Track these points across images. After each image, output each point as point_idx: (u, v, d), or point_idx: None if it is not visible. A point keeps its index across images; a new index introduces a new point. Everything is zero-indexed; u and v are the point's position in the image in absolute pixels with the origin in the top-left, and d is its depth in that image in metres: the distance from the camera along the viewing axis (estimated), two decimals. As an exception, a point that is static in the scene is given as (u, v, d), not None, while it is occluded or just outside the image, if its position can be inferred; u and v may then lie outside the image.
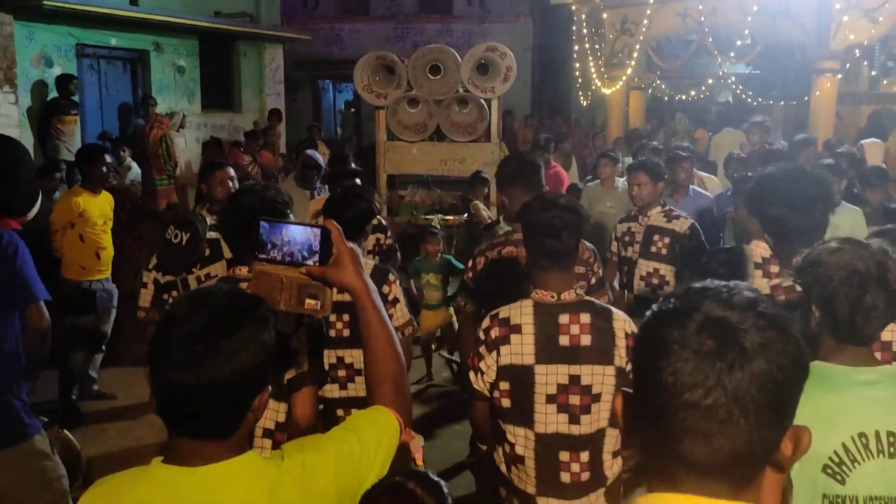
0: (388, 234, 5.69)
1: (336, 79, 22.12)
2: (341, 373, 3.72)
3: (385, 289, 3.66)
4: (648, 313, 1.20)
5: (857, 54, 9.20)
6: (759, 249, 3.73)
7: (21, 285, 3.19)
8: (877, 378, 2.02)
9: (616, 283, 5.51)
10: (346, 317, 3.67)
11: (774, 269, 3.69)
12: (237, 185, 5.55)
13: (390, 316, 3.63)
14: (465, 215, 8.71)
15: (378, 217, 5.64)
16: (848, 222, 5.37)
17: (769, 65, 12.04)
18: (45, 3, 9.98)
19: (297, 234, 1.71)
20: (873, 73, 10.42)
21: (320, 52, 20.27)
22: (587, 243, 3.90)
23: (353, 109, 20.19)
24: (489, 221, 7.50)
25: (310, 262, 1.71)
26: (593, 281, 3.84)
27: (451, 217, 9.08)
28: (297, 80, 20.03)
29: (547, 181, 8.86)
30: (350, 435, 1.68)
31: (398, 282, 3.76)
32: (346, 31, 21.19)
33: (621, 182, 7.52)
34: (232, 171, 5.50)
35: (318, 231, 1.71)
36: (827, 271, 2.07)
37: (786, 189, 2.84)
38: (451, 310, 6.21)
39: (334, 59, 20.59)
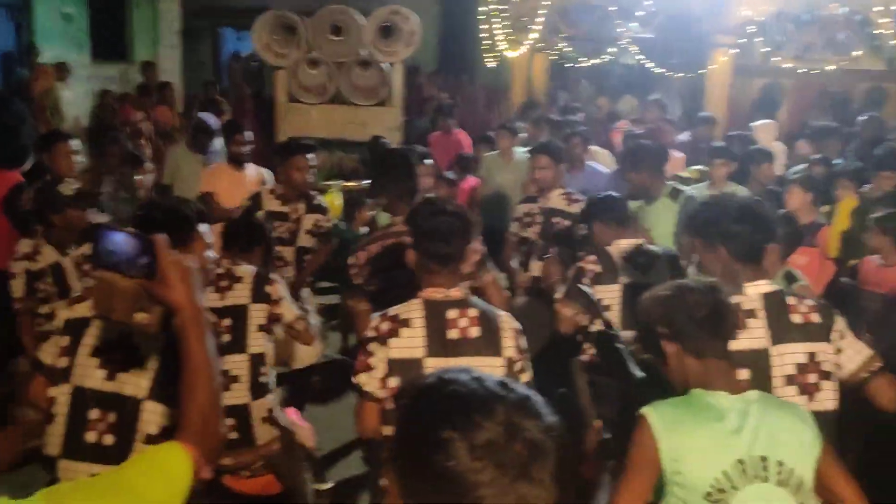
0: (328, 215, 5.50)
1: (237, 27, 21.36)
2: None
3: (268, 288, 3.58)
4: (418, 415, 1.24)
5: (753, 30, 9.44)
6: (623, 245, 3.93)
7: None
8: (748, 406, 2.16)
9: (514, 263, 5.57)
10: (226, 321, 3.56)
11: (642, 259, 3.89)
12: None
13: (276, 316, 3.58)
14: (366, 181, 8.63)
15: (319, 198, 5.51)
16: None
17: (669, 35, 12.25)
18: (-87, -58, 9.25)
19: (129, 245, 1.68)
20: (765, 49, 10.75)
21: (221, -1, 19.52)
22: None
23: (254, 63, 19.59)
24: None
25: (141, 272, 1.68)
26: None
27: (352, 183, 8.98)
28: (196, 29, 19.22)
29: (450, 147, 8.90)
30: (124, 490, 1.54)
31: (282, 283, 3.69)
32: (248, -23, 20.45)
33: (520, 152, 7.57)
34: (75, 145, 5.21)
35: (145, 242, 1.67)
36: (656, 307, 2.32)
37: (741, 203, 2.85)
38: None
39: (236, 8, 19.84)
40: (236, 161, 6.27)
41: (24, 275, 4.27)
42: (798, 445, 2.13)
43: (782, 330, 2.63)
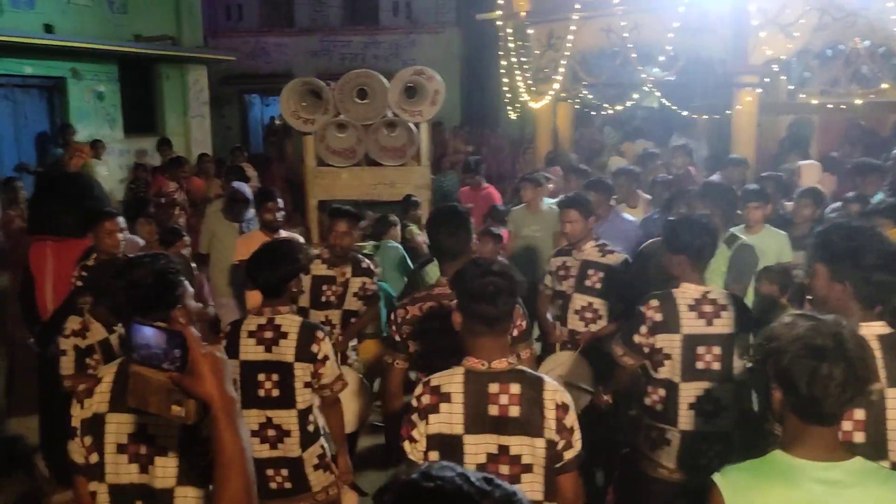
0: (374, 278, 5.57)
1: (263, 93, 21.84)
2: (270, 433, 3.67)
3: (314, 347, 3.63)
4: None
5: (776, 68, 9.42)
6: (690, 291, 3.78)
7: None
8: (840, 476, 1.97)
9: (550, 317, 5.52)
10: (274, 377, 3.63)
11: (707, 308, 3.74)
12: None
13: (319, 375, 3.62)
14: (400, 241, 8.65)
15: (367, 262, 5.57)
16: (774, 246, 5.50)
17: (691, 78, 12.27)
18: (-48, 33, 9.62)
19: (157, 339, 1.70)
20: (790, 87, 10.71)
21: (246, 66, 20.00)
22: None
23: (279, 122, 19.89)
24: (423, 251, 7.46)
25: (171, 367, 1.69)
26: (515, 333, 3.84)
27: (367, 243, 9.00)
28: (223, 96, 19.73)
29: (480, 202, 8.93)
30: None
31: (327, 338, 3.72)
32: (272, 44, 20.93)
33: (545, 204, 7.57)
34: (122, 223, 5.29)
35: (175, 336, 1.69)
36: (783, 345, 2.03)
37: (889, 248, 2.74)
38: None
39: (261, 74, 20.35)
40: (269, 227, 6.34)
41: (74, 351, 4.31)
42: None
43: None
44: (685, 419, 3.72)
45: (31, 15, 11.71)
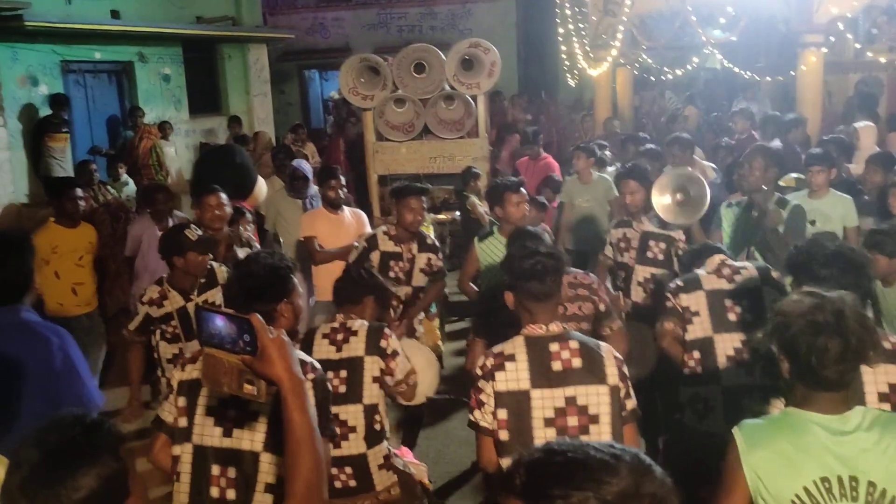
0: (440, 255, 5.61)
1: (322, 68, 22.00)
2: (337, 429, 3.69)
3: (382, 343, 3.71)
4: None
5: (841, 27, 9.17)
6: (714, 262, 3.97)
7: (75, 395, 3.00)
8: (844, 424, 2.14)
9: (609, 285, 5.57)
10: (343, 373, 3.72)
11: (726, 271, 3.95)
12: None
13: (390, 371, 3.69)
14: (458, 213, 8.76)
15: (431, 238, 5.69)
16: (839, 211, 5.42)
17: (754, 39, 11.99)
18: (27, 23, 9.95)
19: (227, 326, 1.79)
20: (857, 45, 10.41)
21: (305, 41, 20.17)
22: (592, 275, 4.04)
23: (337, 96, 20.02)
24: (485, 222, 7.53)
25: (243, 350, 1.78)
26: (602, 307, 3.93)
27: (444, 215, 9.12)
28: (283, 72, 19.97)
29: (538, 172, 8.96)
30: None
31: (394, 337, 3.80)
32: (329, 19, 21.04)
33: (596, 174, 7.58)
34: (225, 198, 5.53)
35: (244, 322, 1.77)
36: (788, 320, 2.19)
37: (832, 249, 2.96)
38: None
39: (319, 49, 20.51)
40: (332, 205, 6.47)
41: (144, 317, 4.59)
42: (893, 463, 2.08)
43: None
44: (725, 373, 3.78)
45: (99, 2, 12.04)
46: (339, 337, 3.78)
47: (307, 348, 3.81)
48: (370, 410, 3.71)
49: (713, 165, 7.47)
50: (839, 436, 2.11)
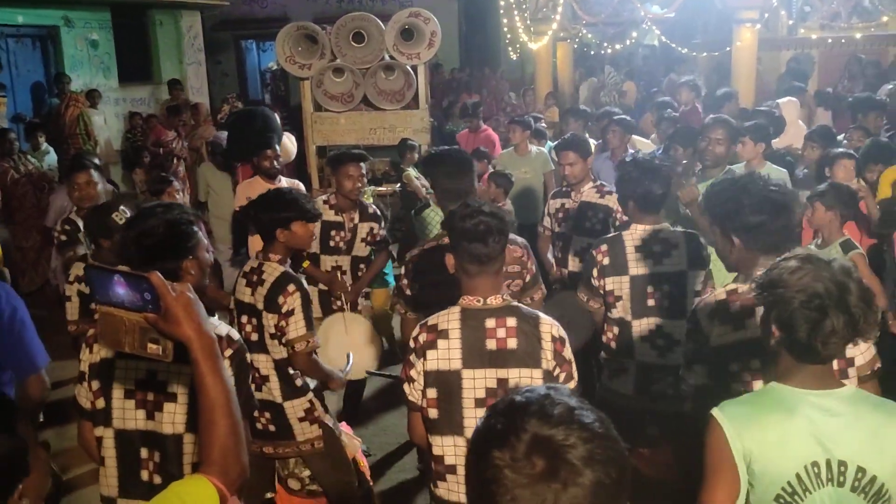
0: (383, 224, 5.48)
1: (260, 38, 21.52)
2: (255, 374, 3.62)
3: (280, 299, 3.56)
4: (473, 434, 1.26)
5: (775, 3, 9.29)
6: (639, 232, 3.89)
7: (21, 354, 2.95)
8: (833, 404, 2.02)
9: (550, 257, 5.56)
10: (253, 320, 3.64)
11: (657, 248, 3.84)
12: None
13: (282, 328, 3.56)
14: (398, 185, 8.66)
15: (374, 207, 5.54)
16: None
17: (691, 15, 12.10)
18: (-59, -17, 9.48)
19: (124, 283, 1.66)
20: (790, 22, 10.59)
21: (242, 11, 19.68)
22: (519, 239, 3.93)
23: (274, 67, 19.55)
24: (422, 195, 7.47)
25: (145, 307, 1.66)
26: (528, 278, 3.87)
27: (384, 187, 9.02)
28: (219, 42, 19.47)
29: (479, 144, 8.91)
30: None
31: (299, 293, 3.59)
32: (268, -12, 20.58)
33: (534, 148, 7.57)
34: (95, 175, 5.26)
35: (142, 280, 1.64)
36: (787, 293, 2.02)
37: (760, 194, 2.72)
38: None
39: (257, 18, 20.04)
40: (268, 174, 6.32)
41: (78, 297, 4.38)
42: (885, 451, 1.98)
43: None
44: (640, 351, 3.83)
45: (21, -38, 11.56)
46: (254, 279, 3.67)
47: (234, 285, 3.75)
48: (281, 364, 3.63)
49: (648, 141, 7.52)
50: (828, 415, 2.00)
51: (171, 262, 2.52)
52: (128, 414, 2.61)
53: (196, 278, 2.57)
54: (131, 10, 13.80)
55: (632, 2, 11.13)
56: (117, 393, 2.61)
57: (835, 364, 2.50)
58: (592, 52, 15.36)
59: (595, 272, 3.89)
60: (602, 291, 3.89)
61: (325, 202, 5.28)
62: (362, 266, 5.35)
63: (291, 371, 3.66)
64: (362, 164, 5.29)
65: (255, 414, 3.58)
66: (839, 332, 1.96)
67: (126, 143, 12.27)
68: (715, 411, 2.06)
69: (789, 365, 2.07)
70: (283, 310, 3.55)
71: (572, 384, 2.82)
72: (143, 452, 2.60)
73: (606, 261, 3.87)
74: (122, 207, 4.55)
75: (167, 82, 13.67)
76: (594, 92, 13.49)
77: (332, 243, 5.22)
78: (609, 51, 14.55)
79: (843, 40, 11.05)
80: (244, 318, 3.68)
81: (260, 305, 3.61)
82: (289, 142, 8.19)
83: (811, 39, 10.84)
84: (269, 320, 3.58)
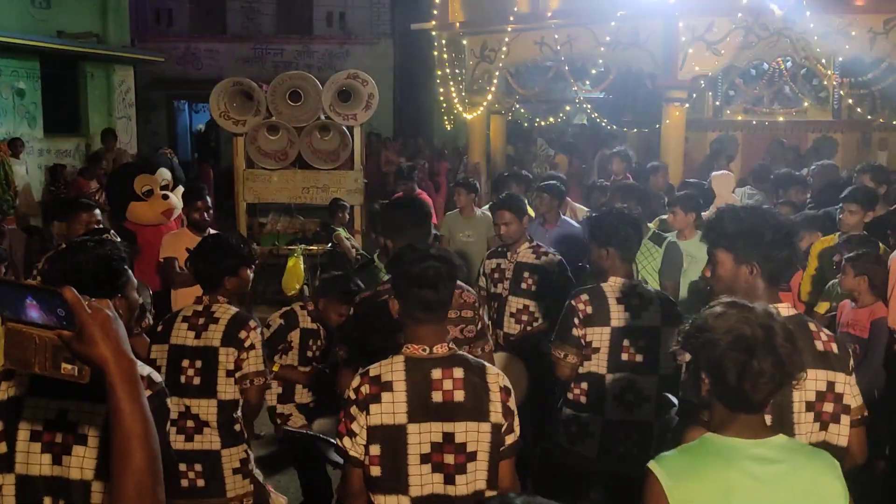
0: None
1: (192, 99, 21.43)
2: (189, 423, 3.50)
3: (241, 334, 3.52)
4: None
5: (703, 84, 9.67)
6: (619, 284, 3.81)
7: None
8: (769, 453, 2.00)
9: (486, 318, 5.49)
10: (198, 363, 3.49)
11: (635, 301, 3.77)
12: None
13: (240, 362, 3.47)
14: (329, 245, 8.54)
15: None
16: (704, 252, 5.56)
17: (622, 92, 12.51)
18: None
19: (35, 298, 1.50)
20: (717, 102, 11.05)
21: (175, 71, 19.60)
22: (471, 289, 3.87)
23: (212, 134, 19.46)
24: (351, 256, 7.38)
25: (59, 325, 1.50)
26: (479, 327, 3.79)
27: (315, 247, 8.89)
28: (151, 101, 19.27)
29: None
30: None
31: (259, 330, 3.60)
32: (203, 50, 20.58)
33: (479, 210, 7.58)
34: (98, 215, 5.14)
35: (55, 296, 1.49)
36: (713, 336, 2.01)
37: (773, 221, 2.73)
38: None
39: (190, 79, 19.96)
40: (197, 226, 6.15)
41: None
42: (823, 499, 1.99)
43: (806, 354, 2.46)
44: (610, 407, 3.73)
45: (-54, 6, 11.29)
46: (200, 322, 3.53)
47: (167, 330, 3.58)
48: (226, 407, 3.48)
49: (585, 208, 7.61)
50: (765, 465, 1.98)
51: (98, 301, 2.35)
52: (32, 458, 2.37)
53: (124, 319, 2.40)
54: (62, 60, 13.53)
55: (565, 79, 11.44)
56: (23, 435, 2.38)
57: (829, 408, 2.56)
58: (525, 125, 15.69)
59: (576, 321, 3.75)
60: (582, 343, 3.76)
61: (302, 308, 5.07)
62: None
63: (235, 415, 3.52)
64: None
65: (182, 468, 3.41)
66: (767, 374, 1.96)
67: (48, 194, 11.90)
68: (651, 464, 2.02)
69: (723, 416, 2.05)
70: (245, 344, 3.49)
71: (512, 437, 2.73)
72: (46, 501, 2.37)
73: (589, 310, 3.75)
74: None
75: (101, 132, 13.38)
76: (527, 164, 13.72)
77: (309, 353, 4.98)
78: (542, 124, 14.89)
79: (766, 123, 11.55)
80: (185, 363, 3.51)
81: (216, 343, 3.48)
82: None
83: (736, 121, 11.30)
84: (228, 356, 3.48)
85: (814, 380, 2.55)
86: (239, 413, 3.56)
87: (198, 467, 3.48)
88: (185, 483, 3.45)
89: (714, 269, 2.73)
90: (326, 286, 5.06)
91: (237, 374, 3.51)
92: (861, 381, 3.41)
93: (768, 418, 2.41)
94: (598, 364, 3.75)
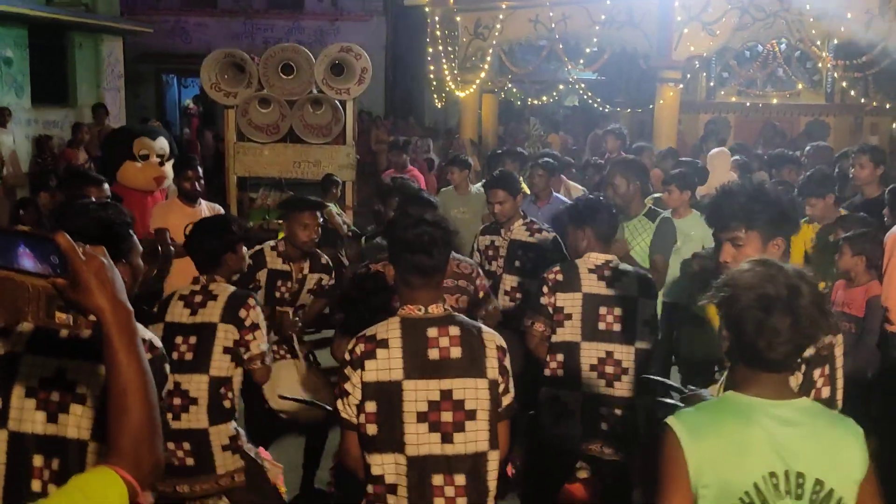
0: (333, 276, 5.09)
1: (181, 73, 21.24)
2: (176, 401, 3.43)
3: (242, 312, 3.47)
4: None
5: (697, 65, 9.65)
6: (592, 259, 3.81)
7: None
8: (791, 414, 1.97)
9: (485, 282, 5.48)
10: (192, 339, 3.44)
11: (608, 273, 3.81)
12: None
13: (245, 342, 3.43)
14: (320, 220, 8.47)
15: (326, 258, 5.10)
16: (699, 231, 5.55)
17: (615, 72, 12.47)
18: None
19: (29, 244, 1.45)
20: (711, 83, 11.05)
21: (164, 44, 19.40)
22: (469, 260, 3.85)
23: (200, 108, 19.30)
24: (342, 231, 7.33)
25: (53, 272, 1.45)
26: (480, 294, 3.77)
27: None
28: (139, 74, 19.07)
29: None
30: None
31: (259, 308, 3.55)
32: (193, 24, 20.38)
33: (474, 187, 7.54)
34: (108, 190, 4.96)
35: (48, 242, 1.44)
36: (736, 291, 1.98)
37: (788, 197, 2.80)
38: None
39: (179, 53, 19.75)
40: (188, 197, 6.08)
41: None
42: (842, 465, 1.95)
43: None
44: (587, 380, 3.72)
45: (-67, -29, 11.08)
46: (198, 300, 3.50)
47: (163, 309, 3.54)
48: (217, 383, 3.43)
49: (580, 186, 7.59)
50: (785, 426, 1.95)
51: (94, 248, 2.29)
52: (25, 415, 2.33)
53: (128, 286, 2.35)
54: (50, 29, 13.34)
55: (558, 59, 11.40)
56: (17, 391, 2.34)
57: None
58: (518, 103, 15.64)
59: (546, 289, 3.77)
60: (551, 309, 3.76)
61: (272, 248, 4.95)
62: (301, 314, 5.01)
63: (223, 391, 3.47)
64: (319, 212, 5.02)
65: (171, 447, 3.36)
66: (783, 334, 1.92)
67: (35, 166, 11.76)
68: (670, 419, 1.99)
69: (745, 374, 2.03)
70: (247, 323, 3.47)
71: (509, 398, 2.73)
72: (37, 460, 2.32)
73: (560, 277, 3.78)
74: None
75: (92, 106, 13.22)
76: (519, 143, 13.69)
77: (277, 294, 4.81)
78: (535, 103, 14.85)
79: (759, 105, 11.55)
80: (178, 339, 3.47)
81: (214, 319, 3.45)
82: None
83: (729, 103, 11.31)
84: (228, 333, 3.44)
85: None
86: (232, 390, 3.51)
87: (186, 446, 3.44)
88: (174, 461, 3.41)
89: (739, 250, 2.63)
90: (282, 208, 5.06)
91: (245, 356, 3.48)
92: (856, 361, 3.43)
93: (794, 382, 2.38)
94: (572, 332, 3.75)
